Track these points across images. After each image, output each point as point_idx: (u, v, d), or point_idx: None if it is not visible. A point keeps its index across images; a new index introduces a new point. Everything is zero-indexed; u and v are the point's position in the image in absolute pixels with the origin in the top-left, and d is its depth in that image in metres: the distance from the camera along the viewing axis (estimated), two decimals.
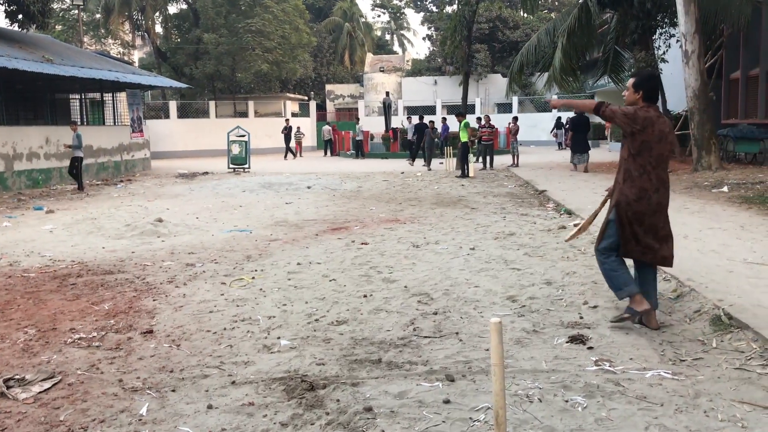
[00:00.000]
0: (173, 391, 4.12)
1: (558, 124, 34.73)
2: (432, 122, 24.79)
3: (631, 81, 5.20)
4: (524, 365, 4.38)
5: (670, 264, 5.12)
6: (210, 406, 3.86)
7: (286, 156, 32.19)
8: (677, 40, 17.75)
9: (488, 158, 22.91)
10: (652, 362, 4.36)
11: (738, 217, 9.62)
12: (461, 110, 24.14)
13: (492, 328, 2.82)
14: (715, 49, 22.64)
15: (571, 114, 24.90)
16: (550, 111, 34.73)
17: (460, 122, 20.79)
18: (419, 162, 24.67)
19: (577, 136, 20.47)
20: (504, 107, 38.38)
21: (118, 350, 4.92)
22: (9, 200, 15.83)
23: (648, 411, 3.63)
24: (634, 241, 5.05)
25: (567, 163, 22.30)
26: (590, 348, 4.65)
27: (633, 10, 19.60)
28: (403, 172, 21.87)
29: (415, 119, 27.11)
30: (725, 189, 12.84)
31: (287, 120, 33.79)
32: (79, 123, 20.27)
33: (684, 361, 4.37)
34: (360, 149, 31.30)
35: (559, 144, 34.14)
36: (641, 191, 4.98)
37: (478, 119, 25.21)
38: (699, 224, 8.94)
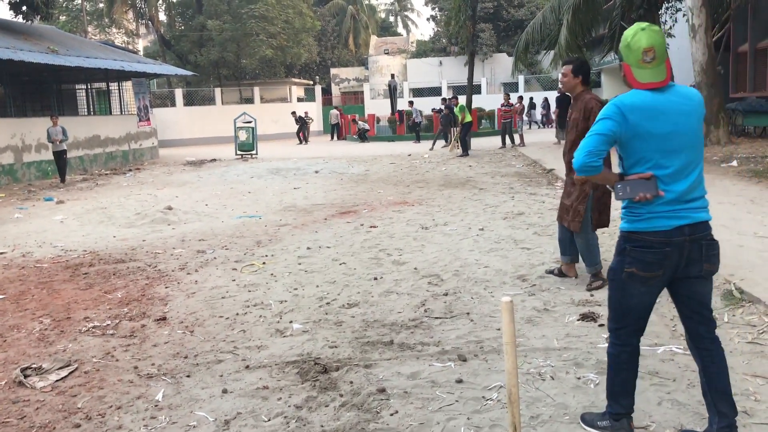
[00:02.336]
0: (188, 376, 4.17)
1: (531, 104, 36.41)
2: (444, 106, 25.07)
3: (568, 67, 5.46)
4: (536, 344, 4.40)
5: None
6: (225, 391, 3.91)
7: (301, 141, 32.14)
8: (684, 15, 17.57)
9: (507, 136, 23.41)
10: (663, 338, 4.38)
11: (748, 191, 9.57)
12: (455, 96, 24.41)
13: (503, 308, 2.83)
14: (723, 22, 22.38)
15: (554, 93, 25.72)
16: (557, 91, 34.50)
17: (456, 105, 21.15)
18: (440, 143, 24.76)
19: (563, 113, 21.39)
20: (510, 86, 38.08)
21: (132, 338, 4.97)
22: (19, 192, 15.92)
23: (660, 386, 3.65)
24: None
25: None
26: (601, 325, 4.66)
27: None
28: (410, 155, 21.83)
29: (419, 104, 27.24)
30: (734, 163, 12.76)
31: (294, 112, 33.65)
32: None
33: None
34: (363, 136, 31.29)
35: (533, 123, 36.41)
36: None
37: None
38: (708, 199, 8.88)
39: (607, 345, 4.23)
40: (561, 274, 6.01)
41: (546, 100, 35.90)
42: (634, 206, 2.95)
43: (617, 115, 2.89)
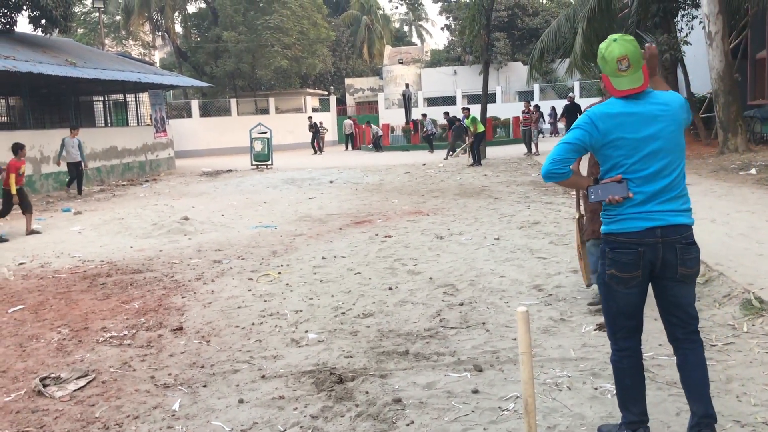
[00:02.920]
0: (204, 386, 4.18)
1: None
2: (455, 116, 25.18)
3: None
4: (552, 354, 4.38)
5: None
6: (241, 401, 3.92)
7: (316, 152, 32.20)
8: (700, 22, 17.48)
9: (529, 143, 23.77)
10: None
11: (766, 199, 9.47)
12: (467, 106, 24.64)
13: (519, 318, 2.82)
14: (740, 29, 22.22)
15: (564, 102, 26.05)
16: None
17: (467, 117, 21.20)
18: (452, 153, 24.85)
19: (570, 121, 22.60)
20: (525, 95, 37.98)
21: (149, 348, 4.99)
22: (38, 203, 16.08)
23: (678, 397, 3.61)
24: None
25: None
26: None
27: None
28: (424, 164, 21.84)
29: (433, 114, 27.33)
30: (753, 171, 12.64)
31: (310, 117, 33.82)
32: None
33: (714, 346, 4.33)
34: (377, 144, 31.31)
35: (540, 132, 35.58)
36: None
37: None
38: (726, 207, 8.81)
39: None
40: None
41: (553, 108, 35.72)
42: (608, 208, 3.06)
43: (587, 125, 3.02)
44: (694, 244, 3.04)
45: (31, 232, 10.94)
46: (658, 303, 3.15)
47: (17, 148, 11.32)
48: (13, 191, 10.88)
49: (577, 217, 5.73)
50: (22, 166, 11.24)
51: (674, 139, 3.01)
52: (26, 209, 11.05)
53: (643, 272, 3.00)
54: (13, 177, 10.89)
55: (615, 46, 2.98)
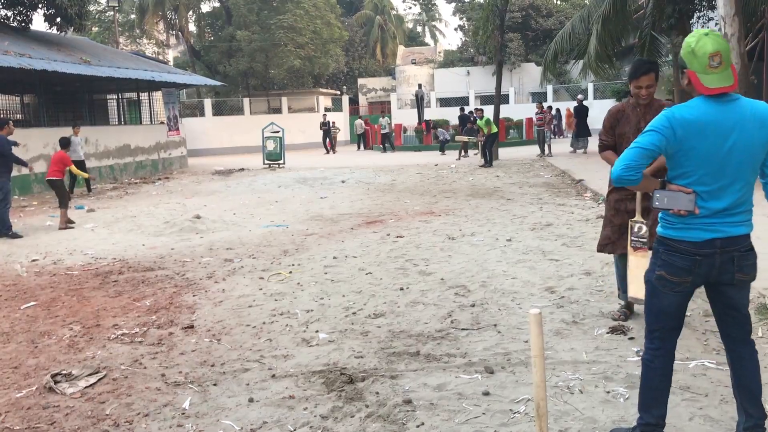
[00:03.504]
0: (215, 385, 4.18)
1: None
2: (470, 113, 25.15)
3: (652, 76, 4.62)
4: (564, 356, 4.34)
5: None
6: (251, 400, 3.91)
7: (328, 151, 32.16)
8: (716, 23, 17.30)
9: (542, 144, 23.84)
10: (695, 352, 4.29)
11: None
12: (479, 107, 24.57)
13: (531, 320, 2.80)
14: (756, 31, 22.03)
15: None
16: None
17: (481, 118, 21.22)
18: (470, 152, 24.87)
19: (579, 123, 23.26)
20: (538, 96, 37.85)
21: (160, 345, 5.00)
22: (51, 200, 16.17)
23: (692, 401, 3.58)
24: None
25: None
26: (631, 338, 4.59)
27: None
28: (436, 165, 21.80)
29: (445, 114, 27.27)
30: None
31: (324, 115, 33.85)
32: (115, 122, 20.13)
33: None
34: (389, 142, 31.03)
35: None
36: None
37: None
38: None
39: (637, 359, 4.18)
40: (630, 310, 5.19)
41: (558, 111, 35.41)
42: (669, 214, 2.95)
43: (666, 129, 2.83)
44: (752, 249, 2.98)
45: (65, 226, 11.21)
46: (712, 305, 3.11)
47: (67, 143, 12.37)
48: (79, 173, 13.02)
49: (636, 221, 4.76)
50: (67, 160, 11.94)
51: (756, 152, 2.85)
52: (63, 203, 11.40)
53: (694, 279, 2.94)
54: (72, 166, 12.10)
55: (707, 40, 2.80)
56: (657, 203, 2.93)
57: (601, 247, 5.20)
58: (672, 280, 2.95)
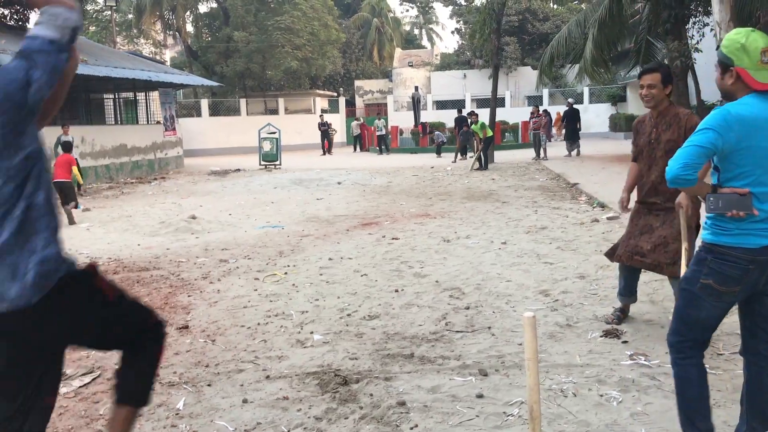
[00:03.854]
0: (209, 385, 4.19)
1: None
2: (465, 116, 25.10)
3: (656, 76, 4.51)
4: (558, 360, 4.36)
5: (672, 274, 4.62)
6: (245, 401, 3.91)
7: (325, 152, 32.10)
8: (711, 29, 17.39)
9: (538, 148, 23.55)
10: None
11: None
12: (474, 111, 24.40)
13: (525, 323, 2.81)
14: None
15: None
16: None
17: (476, 122, 21.29)
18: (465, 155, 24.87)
19: (570, 126, 23.62)
20: (535, 100, 37.95)
21: None
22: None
23: None
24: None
25: (599, 154, 22.66)
26: (625, 342, 4.61)
27: None
28: (432, 167, 21.83)
29: (442, 117, 27.22)
30: None
31: (322, 115, 33.84)
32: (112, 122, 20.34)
33: (721, 354, 4.31)
34: (384, 144, 31.00)
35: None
36: None
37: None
38: None
39: (630, 363, 4.20)
40: (624, 313, 5.14)
41: (548, 114, 35.45)
42: (722, 219, 2.83)
43: (722, 127, 2.73)
44: None
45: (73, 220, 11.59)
46: (746, 316, 3.00)
47: (70, 147, 13.20)
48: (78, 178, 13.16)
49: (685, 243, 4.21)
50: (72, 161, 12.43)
51: None
52: (68, 203, 11.66)
53: (742, 288, 2.84)
54: (75, 168, 12.56)
55: (757, 36, 2.73)
56: (711, 207, 2.81)
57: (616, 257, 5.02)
58: (719, 290, 2.84)
